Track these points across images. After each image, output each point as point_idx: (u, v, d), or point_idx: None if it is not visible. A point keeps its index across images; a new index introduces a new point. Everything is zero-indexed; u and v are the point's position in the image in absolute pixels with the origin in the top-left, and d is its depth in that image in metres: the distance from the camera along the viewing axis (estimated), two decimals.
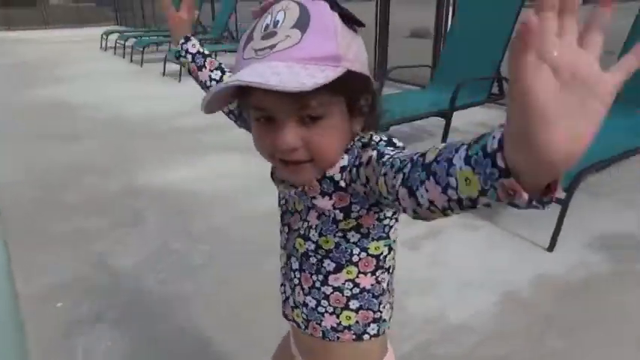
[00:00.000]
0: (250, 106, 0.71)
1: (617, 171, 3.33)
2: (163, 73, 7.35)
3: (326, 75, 0.63)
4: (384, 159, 0.63)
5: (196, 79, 1.08)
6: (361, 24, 0.71)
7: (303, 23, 0.65)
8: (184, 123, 4.80)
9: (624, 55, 0.43)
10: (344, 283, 0.79)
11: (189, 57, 1.06)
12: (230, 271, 2.29)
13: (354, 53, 0.69)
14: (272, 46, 0.65)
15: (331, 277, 0.79)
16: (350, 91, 0.70)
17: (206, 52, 1.07)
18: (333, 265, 0.78)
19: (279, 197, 0.86)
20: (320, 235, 0.77)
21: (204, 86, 1.07)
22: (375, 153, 0.66)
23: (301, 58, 0.64)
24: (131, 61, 8.84)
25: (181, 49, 1.06)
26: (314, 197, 0.75)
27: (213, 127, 4.62)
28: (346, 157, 0.73)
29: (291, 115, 0.68)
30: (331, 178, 0.73)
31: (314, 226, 0.77)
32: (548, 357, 1.76)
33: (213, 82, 1.05)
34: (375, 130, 0.76)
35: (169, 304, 2.07)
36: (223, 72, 1.07)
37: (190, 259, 2.41)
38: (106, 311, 2.03)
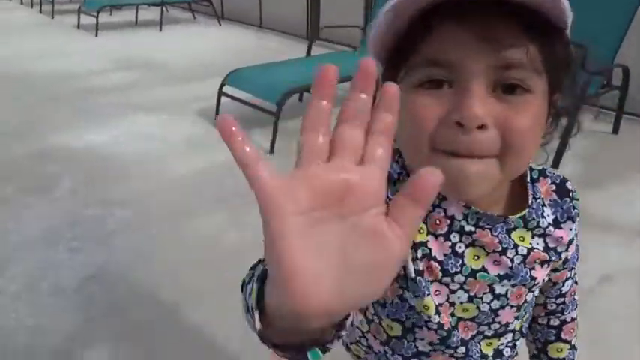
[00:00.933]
0: (416, 63, 0.48)
1: None
2: (78, 26, 6.76)
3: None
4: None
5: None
6: None
7: None
8: (101, 81, 4.47)
9: None
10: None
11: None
12: (149, 239, 2.19)
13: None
14: None
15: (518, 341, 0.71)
16: (557, 68, 0.49)
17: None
18: (522, 335, 0.70)
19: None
20: (516, 319, 0.64)
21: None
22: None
23: None
24: (40, 11, 8.04)
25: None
26: (532, 268, 0.59)
27: (131, 85, 4.35)
28: (572, 227, 0.61)
29: (481, 75, 0.46)
30: (555, 250, 0.60)
31: (511, 321, 0.64)
32: None
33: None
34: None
35: (79, 274, 1.95)
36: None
37: (107, 226, 2.27)
38: (8, 285, 1.88)
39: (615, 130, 3.48)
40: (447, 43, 0.46)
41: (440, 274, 0.57)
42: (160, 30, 6.69)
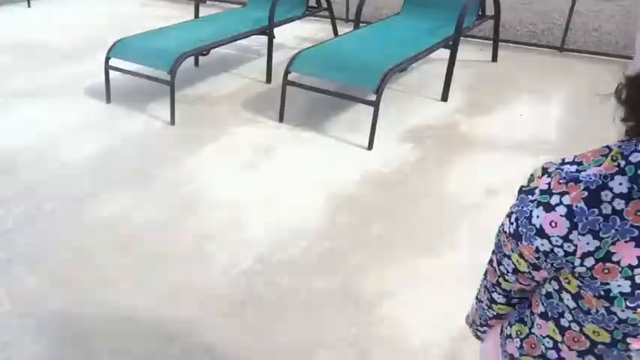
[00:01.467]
0: None
1: (418, 69, 3.71)
2: None
3: None
4: None
5: None
6: None
7: None
8: None
9: None
10: None
11: None
12: (49, 230, 2.12)
13: None
14: None
15: None
16: None
17: None
18: None
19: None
20: None
21: None
22: None
23: None
24: None
25: None
26: None
27: (9, 71, 3.99)
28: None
29: None
30: None
31: None
32: (375, 241, 2.01)
33: None
34: None
35: None
36: None
37: (2, 224, 2.16)
38: None
39: (494, 58, 3.77)
40: None
41: None
42: (29, 6, 6.09)
